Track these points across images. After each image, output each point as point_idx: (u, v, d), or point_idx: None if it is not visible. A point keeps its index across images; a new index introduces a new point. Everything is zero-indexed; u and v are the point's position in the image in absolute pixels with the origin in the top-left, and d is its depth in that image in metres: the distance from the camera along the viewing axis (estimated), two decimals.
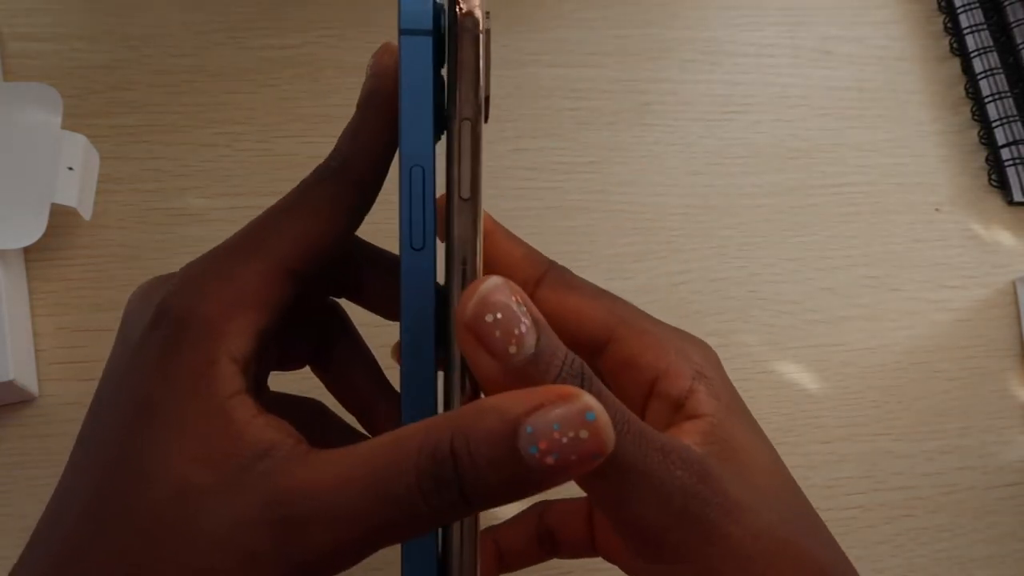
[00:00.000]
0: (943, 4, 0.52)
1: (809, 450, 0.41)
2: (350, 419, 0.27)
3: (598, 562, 0.28)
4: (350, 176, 0.22)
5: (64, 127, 0.38)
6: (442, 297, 0.21)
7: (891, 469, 0.41)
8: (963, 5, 0.51)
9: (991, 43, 0.50)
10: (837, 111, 0.48)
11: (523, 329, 0.19)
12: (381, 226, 0.26)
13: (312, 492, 0.18)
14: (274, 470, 0.19)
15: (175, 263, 0.22)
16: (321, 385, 0.27)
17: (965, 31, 0.51)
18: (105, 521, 0.19)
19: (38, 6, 0.43)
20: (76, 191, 0.37)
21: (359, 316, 0.27)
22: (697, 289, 0.43)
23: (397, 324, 0.25)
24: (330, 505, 0.18)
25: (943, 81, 0.50)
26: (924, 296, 0.45)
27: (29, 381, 0.36)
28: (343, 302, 0.27)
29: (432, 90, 0.21)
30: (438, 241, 0.22)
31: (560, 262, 0.26)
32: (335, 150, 0.23)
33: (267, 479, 0.18)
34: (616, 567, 0.27)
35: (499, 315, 0.19)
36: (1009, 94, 0.49)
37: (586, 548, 0.28)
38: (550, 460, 0.18)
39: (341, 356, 0.26)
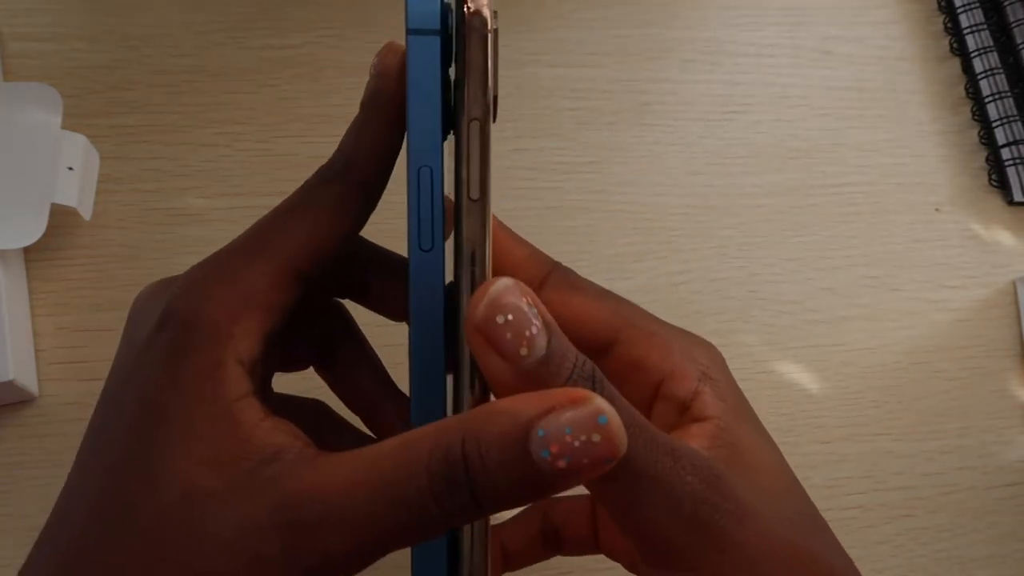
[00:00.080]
0: (943, 4, 0.52)
1: (809, 450, 0.41)
2: (353, 419, 0.27)
3: (598, 562, 0.28)
4: (354, 177, 0.22)
5: (64, 127, 0.38)
6: (450, 298, 0.21)
7: (891, 469, 0.41)
8: (963, 5, 0.51)
9: (991, 43, 0.50)
10: (837, 111, 0.48)
11: (534, 331, 0.19)
12: (382, 227, 0.26)
13: (321, 496, 0.18)
14: (282, 474, 0.18)
15: (175, 263, 0.22)
16: (323, 385, 0.27)
17: (965, 31, 0.51)
18: (111, 523, 0.19)
19: (38, 6, 0.43)
20: (76, 191, 0.37)
21: (363, 316, 0.27)
22: (697, 289, 0.43)
23: (401, 324, 0.25)
24: (339, 509, 0.18)
25: (943, 81, 0.50)
26: (924, 296, 0.45)
27: (29, 381, 0.36)
28: (347, 303, 0.27)
29: (440, 90, 0.21)
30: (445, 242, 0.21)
31: (561, 262, 0.26)
32: (338, 151, 0.23)
33: (275, 483, 0.18)
34: (616, 567, 0.27)
35: (510, 317, 0.18)
36: (1009, 94, 0.49)
37: (590, 545, 0.28)
38: (562, 464, 0.17)
39: (345, 357, 0.26)
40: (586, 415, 0.18)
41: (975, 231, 0.47)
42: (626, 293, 0.26)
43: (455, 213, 0.21)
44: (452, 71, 0.21)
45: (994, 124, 0.48)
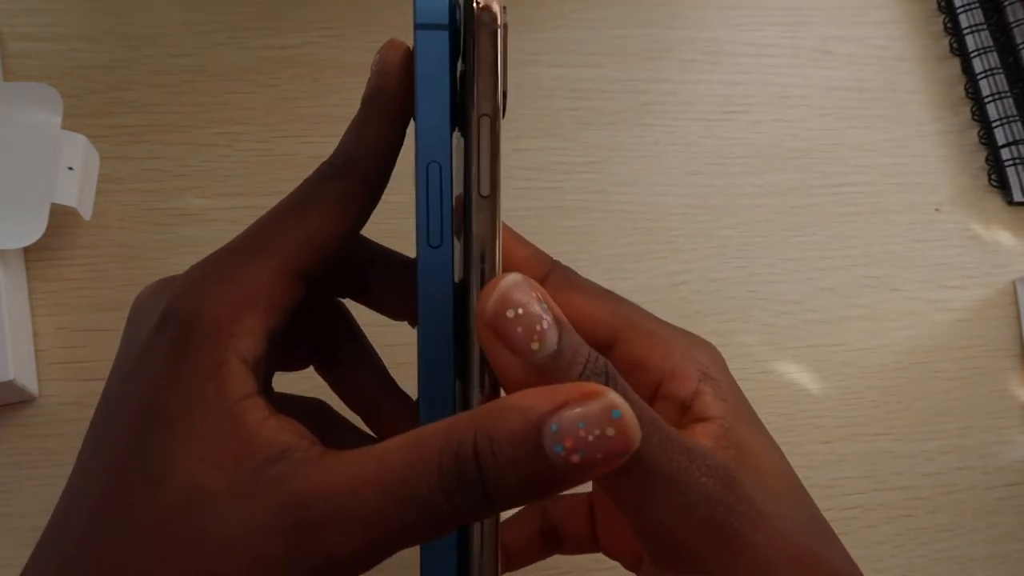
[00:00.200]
0: (943, 4, 0.52)
1: (809, 450, 0.41)
2: (353, 419, 0.27)
3: (597, 562, 0.28)
4: (356, 174, 0.22)
5: (64, 127, 0.38)
6: (459, 295, 0.21)
7: (891, 469, 0.41)
8: (963, 5, 0.51)
9: (991, 43, 0.50)
10: (837, 111, 0.48)
11: (545, 326, 0.19)
12: (382, 227, 0.26)
13: (327, 495, 0.18)
14: (288, 473, 0.18)
15: (175, 263, 0.22)
16: (323, 384, 0.27)
17: (965, 31, 0.51)
18: (112, 523, 0.19)
19: (38, 6, 0.43)
20: (76, 191, 0.37)
21: (364, 316, 0.27)
22: (697, 289, 0.43)
23: (403, 325, 0.25)
24: (347, 508, 0.18)
25: (943, 81, 0.50)
26: (924, 296, 0.45)
27: (29, 381, 0.36)
28: (347, 302, 0.27)
29: (449, 86, 0.20)
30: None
31: (560, 262, 0.26)
32: (339, 148, 0.22)
33: (281, 482, 0.18)
34: (614, 567, 0.27)
35: (520, 311, 0.18)
36: (1009, 94, 0.49)
37: (589, 544, 0.28)
38: (575, 458, 0.17)
39: (346, 357, 0.26)
40: (599, 409, 0.17)
41: (975, 231, 0.47)
42: (626, 293, 0.26)
43: (464, 210, 0.21)
44: (459, 66, 0.21)
45: (994, 124, 0.48)
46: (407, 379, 0.25)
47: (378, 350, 0.27)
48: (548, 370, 0.19)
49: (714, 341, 0.26)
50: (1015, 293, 0.45)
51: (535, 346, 0.18)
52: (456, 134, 0.21)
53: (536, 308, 0.19)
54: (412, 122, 0.22)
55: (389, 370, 0.27)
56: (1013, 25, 0.50)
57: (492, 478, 0.18)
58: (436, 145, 0.21)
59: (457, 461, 0.18)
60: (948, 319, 0.44)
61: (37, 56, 0.42)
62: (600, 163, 0.45)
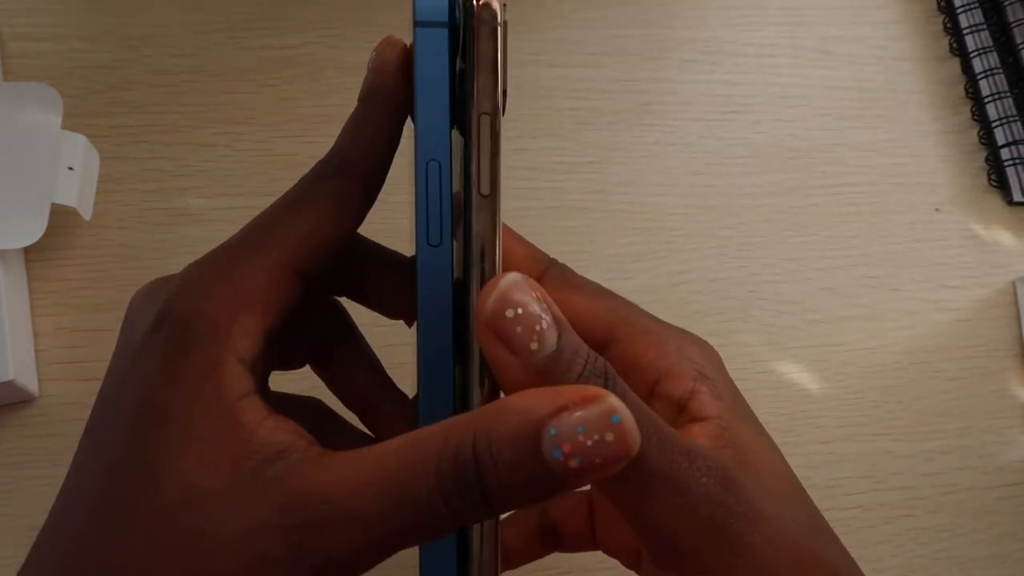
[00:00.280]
0: (943, 4, 0.52)
1: (809, 450, 0.41)
2: (351, 418, 0.27)
3: (597, 563, 0.28)
4: (353, 172, 0.22)
5: (64, 127, 0.38)
6: (459, 294, 0.21)
7: (891, 469, 0.41)
8: (963, 5, 0.51)
9: (991, 43, 0.50)
10: (837, 111, 0.48)
11: (544, 326, 0.18)
12: (378, 226, 0.26)
13: (328, 495, 0.18)
14: (287, 473, 0.18)
15: (175, 263, 0.22)
16: (320, 384, 0.27)
17: (965, 31, 0.51)
18: (110, 523, 0.19)
19: (38, 6, 0.43)
20: (76, 191, 0.37)
21: (362, 316, 0.27)
22: (697, 289, 0.43)
23: (400, 324, 0.25)
24: (346, 508, 0.18)
25: (943, 81, 0.50)
26: (924, 296, 0.45)
27: (29, 381, 0.36)
28: (344, 301, 0.27)
29: (448, 84, 0.20)
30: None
31: (557, 260, 0.26)
32: (335, 147, 0.22)
33: (280, 482, 0.18)
34: (613, 568, 0.27)
35: (519, 311, 0.18)
36: (1009, 94, 0.49)
37: (588, 542, 0.27)
38: (574, 463, 0.17)
39: (343, 356, 0.26)
40: (599, 414, 0.17)
41: (975, 231, 0.47)
42: (626, 293, 0.26)
43: (464, 209, 0.20)
44: (459, 64, 0.21)
45: (994, 124, 0.48)
46: (405, 379, 0.25)
47: (376, 350, 0.27)
48: (547, 370, 0.19)
49: (714, 341, 0.26)
50: (1015, 293, 0.45)
51: (534, 346, 0.18)
52: (455, 132, 0.21)
53: (536, 308, 0.18)
54: (411, 121, 0.21)
55: (387, 370, 0.27)
56: (1013, 25, 0.50)
57: (491, 481, 0.18)
58: (435, 144, 0.20)
59: (455, 463, 0.18)
60: (948, 319, 0.44)
61: (37, 56, 0.42)
62: (600, 163, 0.45)
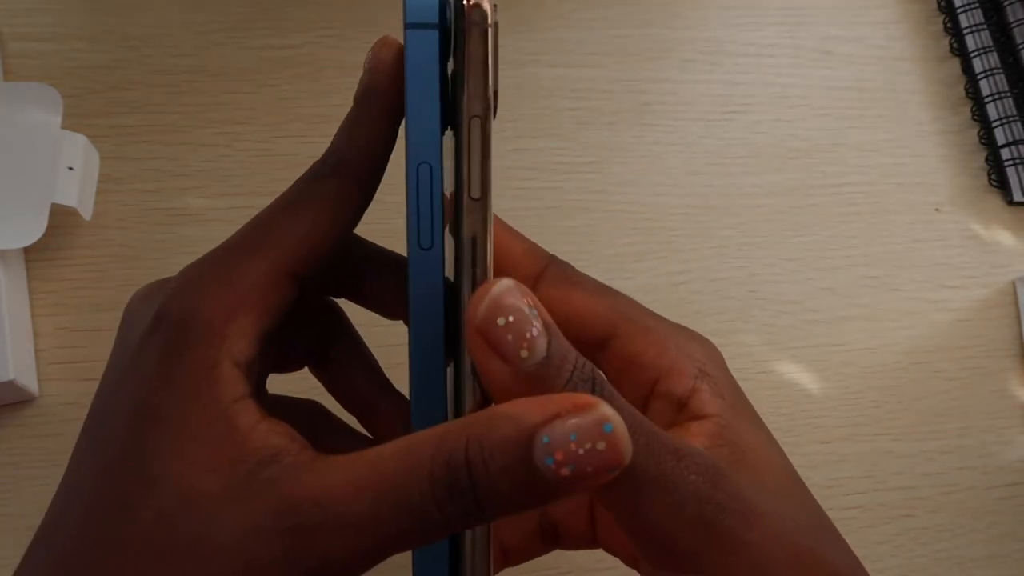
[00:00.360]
0: (943, 4, 0.52)
1: (809, 450, 0.41)
2: (349, 419, 0.27)
3: (597, 563, 0.28)
4: (349, 173, 0.22)
5: (64, 127, 0.38)
6: (451, 296, 0.21)
7: (891, 469, 0.41)
8: (963, 5, 0.51)
9: (991, 43, 0.50)
10: (837, 111, 0.48)
11: (534, 333, 0.18)
12: (374, 227, 0.26)
13: (322, 499, 0.18)
14: (281, 477, 0.18)
15: (175, 263, 0.22)
16: (319, 385, 0.27)
17: (965, 31, 0.51)
18: (106, 524, 0.19)
19: (38, 6, 0.43)
20: (76, 191, 0.37)
21: (359, 316, 0.27)
22: (697, 289, 0.43)
23: (398, 324, 0.25)
24: (340, 513, 0.18)
25: (943, 81, 0.50)
26: (924, 296, 0.45)
27: (29, 381, 0.36)
28: (341, 302, 0.27)
29: (439, 85, 0.20)
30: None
31: (558, 257, 0.26)
32: (331, 147, 0.22)
33: (273, 486, 0.18)
34: (614, 568, 0.26)
35: (511, 319, 0.18)
36: (1009, 94, 0.49)
37: (588, 539, 0.27)
38: (566, 471, 0.17)
39: (340, 357, 0.26)
40: (591, 422, 0.17)
41: (975, 231, 0.47)
42: (626, 293, 0.25)
43: (455, 212, 0.20)
44: (451, 65, 0.21)
45: (994, 124, 0.48)
46: (403, 379, 0.25)
47: (373, 350, 0.27)
48: (536, 377, 0.19)
49: (714, 341, 0.26)
50: (1015, 293, 0.45)
51: (524, 354, 0.18)
52: (448, 133, 0.21)
53: (526, 315, 0.18)
54: (403, 122, 0.21)
55: (384, 370, 0.27)
56: (1013, 25, 0.50)
57: (483, 487, 0.18)
58: (426, 146, 0.20)
59: (448, 469, 0.18)
60: (948, 319, 0.44)
61: (37, 56, 0.42)
62: (600, 163, 0.45)
